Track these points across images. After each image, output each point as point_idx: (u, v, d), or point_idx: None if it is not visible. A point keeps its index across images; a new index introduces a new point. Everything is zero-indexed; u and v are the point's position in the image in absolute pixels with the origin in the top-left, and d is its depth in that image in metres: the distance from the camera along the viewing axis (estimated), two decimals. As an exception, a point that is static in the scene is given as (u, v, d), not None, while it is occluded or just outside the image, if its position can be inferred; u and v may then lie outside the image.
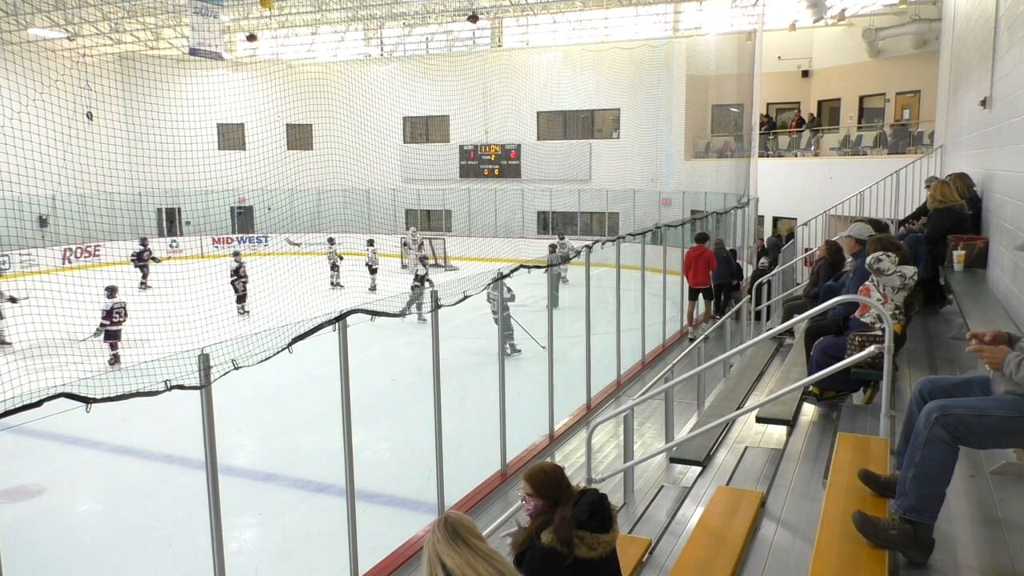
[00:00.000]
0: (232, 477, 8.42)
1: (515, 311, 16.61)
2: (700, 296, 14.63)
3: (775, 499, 4.58)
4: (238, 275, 19.00)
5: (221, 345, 4.95)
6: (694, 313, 14.64)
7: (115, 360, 14.32)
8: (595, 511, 3.17)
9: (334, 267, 22.67)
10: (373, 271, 22.57)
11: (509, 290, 13.17)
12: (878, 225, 7.66)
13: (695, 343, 9.23)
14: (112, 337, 14.49)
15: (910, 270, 5.37)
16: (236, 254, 19.90)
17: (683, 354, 8.75)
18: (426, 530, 6.88)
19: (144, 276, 22.96)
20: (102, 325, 14.32)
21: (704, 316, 14.93)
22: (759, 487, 4.95)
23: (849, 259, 7.11)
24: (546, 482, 3.29)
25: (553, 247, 20.33)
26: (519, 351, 13.40)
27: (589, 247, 10.44)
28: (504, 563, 2.51)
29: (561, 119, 30.01)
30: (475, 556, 2.44)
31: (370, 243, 23.01)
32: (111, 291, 14.50)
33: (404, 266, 26.49)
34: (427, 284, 18.22)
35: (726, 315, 11.72)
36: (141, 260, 23.16)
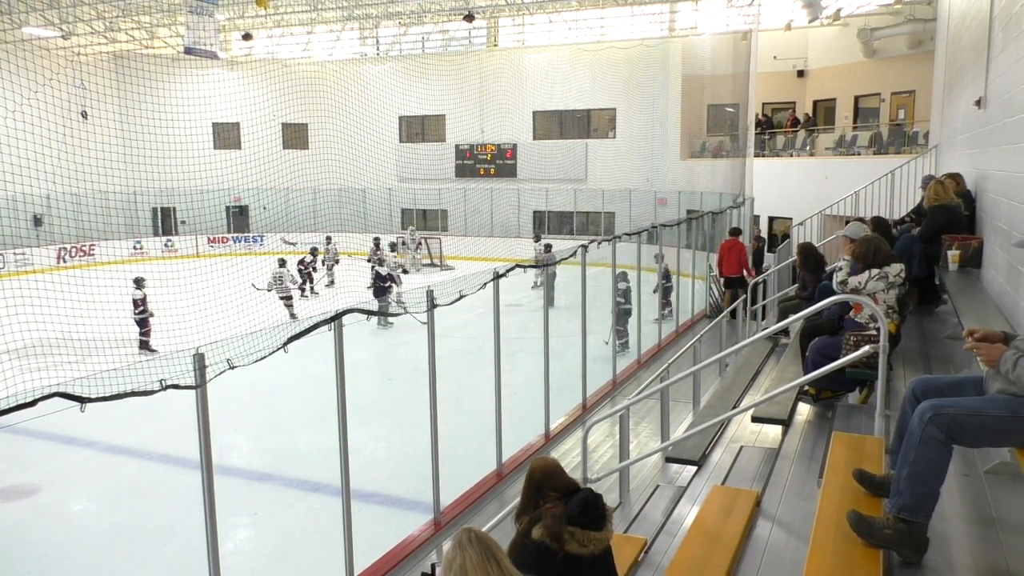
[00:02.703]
0: (228, 477, 8.40)
1: (512, 310, 16.57)
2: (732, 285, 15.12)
3: (770, 498, 4.59)
4: (392, 279, 17.96)
5: (216, 345, 4.94)
6: (729, 299, 15.05)
7: (142, 346, 15.27)
8: (587, 508, 3.19)
9: (330, 267, 22.65)
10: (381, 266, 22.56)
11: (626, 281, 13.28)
12: (881, 223, 7.57)
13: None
14: (140, 325, 15.33)
15: (895, 268, 5.36)
16: (382, 264, 18.66)
17: (679, 354, 8.76)
18: (422, 529, 6.91)
19: (304, 283, 21.50)
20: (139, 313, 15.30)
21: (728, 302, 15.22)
22: (754, 486, 4.96)
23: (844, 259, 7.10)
24: (528, 483, 3.35)
25: (548, 247, 20.29)
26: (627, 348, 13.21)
27: (585, 247, 10.44)
28: None
29: (557, 119, 30.02)
30: None
31: (376, 241, 23.04)
32: (138, 283, 15.46)
33: (399, 265, 26.49)
34: (393, 285, 18.02)
35: (722, 314, 11.74)
36: (305, 268, 21.74)
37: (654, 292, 15.00)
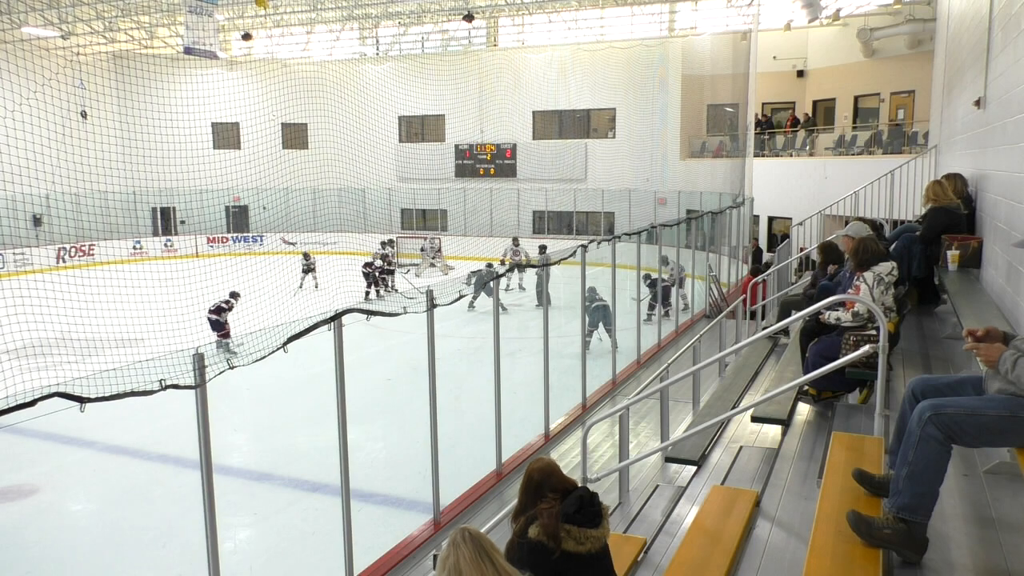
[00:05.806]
0: (227, 477, 8.41)
1: (512, 310, 16.58)
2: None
3: (770, 498, 4.59)
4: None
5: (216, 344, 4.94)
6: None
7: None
8: (583, 506, 3.20)
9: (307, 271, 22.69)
10: (389, 272, 22.46)
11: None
12: (872, 225, 7.63)
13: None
14: (216, 328, 15.18)
15: (886, 267, 5.34)
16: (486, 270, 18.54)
17: (679, 354, 8.76)
18: (421, 528, 6.91)
19: (370, 285, 21.07)
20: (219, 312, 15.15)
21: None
22: (754, 486, 4.96)
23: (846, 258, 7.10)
24: (527, 484, 3.35)
25: (543, 247, 20.30)
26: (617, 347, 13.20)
27: (584, 246, 10.44)
28: None
29: (557, 118, 30.02)
30: (497, 574, 2.47)
31: (387, 244, 22.92)
32: (233, 296, 15.32)
33: (408, 265, 26.46)
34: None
35: (721, 314, 11.73)
36: (372, 272, 21.27)
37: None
